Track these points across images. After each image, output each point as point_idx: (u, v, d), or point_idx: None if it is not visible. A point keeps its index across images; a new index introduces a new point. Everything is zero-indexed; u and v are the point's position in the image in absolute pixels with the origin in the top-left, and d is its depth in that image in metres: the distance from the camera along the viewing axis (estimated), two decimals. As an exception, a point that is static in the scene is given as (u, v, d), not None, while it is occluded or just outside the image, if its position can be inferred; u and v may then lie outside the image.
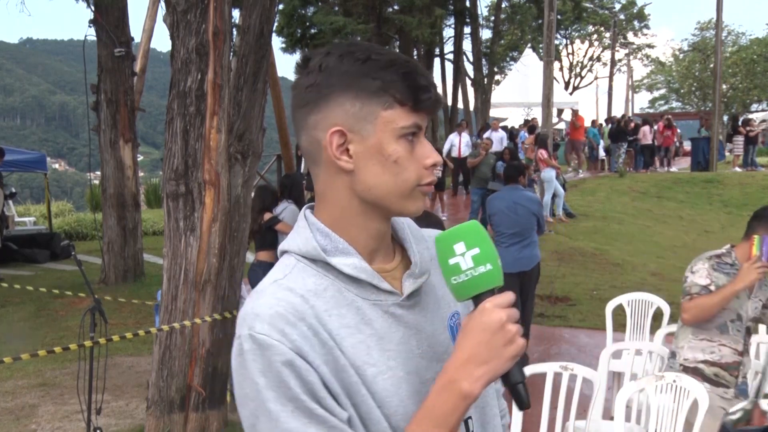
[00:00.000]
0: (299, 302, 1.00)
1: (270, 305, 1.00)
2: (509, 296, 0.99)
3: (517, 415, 3.28)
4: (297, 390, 0.96)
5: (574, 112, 20.13)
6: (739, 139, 20.17)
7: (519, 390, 0.99)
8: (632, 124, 21.75)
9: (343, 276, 1.04)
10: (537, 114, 23.34)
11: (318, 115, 1.04)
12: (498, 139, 15.89)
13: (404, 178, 1.03)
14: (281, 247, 1.11)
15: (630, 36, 44.56)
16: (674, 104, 46.33)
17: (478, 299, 1.00)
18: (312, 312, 1.00)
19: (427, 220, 3.08)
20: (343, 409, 0.99)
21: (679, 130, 22.35)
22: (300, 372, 0.96)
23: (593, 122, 25.74)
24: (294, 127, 1.10)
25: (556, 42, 29.21)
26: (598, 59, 45.82)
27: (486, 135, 16.20)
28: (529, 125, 18.72)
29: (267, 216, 5.89)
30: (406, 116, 1.03)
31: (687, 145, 25.10)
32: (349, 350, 1.01)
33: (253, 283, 6.00)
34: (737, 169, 20.33)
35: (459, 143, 16.16)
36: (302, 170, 14.71)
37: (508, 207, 6.21)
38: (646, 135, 20.79)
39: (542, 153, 13.67)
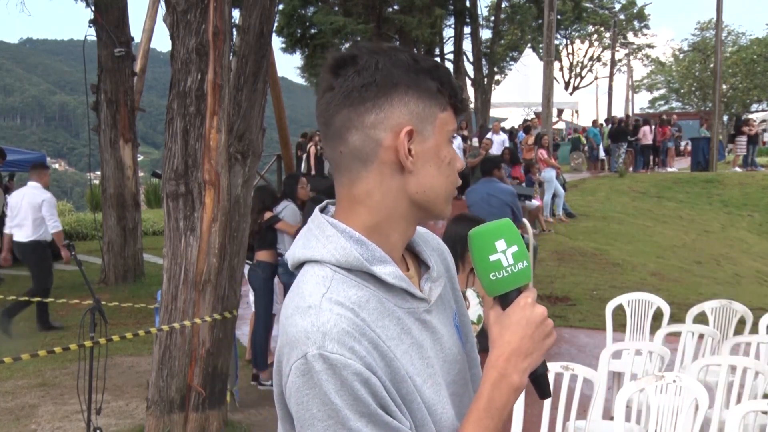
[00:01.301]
0: (353, 317, 0.98)
1: (334, 322, 0.96)
2: (535, 291, 1.05)
3: (518, 416, 3.28)
4: (374, 406, 0.95)
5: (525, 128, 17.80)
6: (742, 139, 20.16)
7: (544, 380, 1.05)
8: (632, 125, 21.75)
9: (382, 285, 1.02)
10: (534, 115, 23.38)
11: (380, 114, 1.01)
12: (499, 142, 15.68)
13: (453, 180, 1.07)
14: (301, 255, 1.05)
15: (630, 36, 44.58)
16: (674, 104, 46.33)
17: (506, 295, 1.04)
18: (365, 325, 0.98)
19: (464, 219, 3.06)
20: (405, 418, 0.99)
21: (673, 129, 22.24)
22: (374, 388, 0.95)
23: (594, 122, 25.73)
24: (334, 128, 1.04)
25: (556, 42, 29.19)
26: (598, 59, 45.83)
27: (488, 137, 16.11)
28: (525, 125, 18.69)
29: (267, 215, 5.88)
30: (453, 119, 1.06)
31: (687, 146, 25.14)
32: (401, 361, 1.01)
33: (253, 284, 5.99)
34: (737, 169, 20.32)
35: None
36: (302, 170, 14.70)
37: (482, 198, 6.59)
38: (646, 135, 20.80)
39: (542, 153, 13.67)
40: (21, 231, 7.25)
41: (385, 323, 1.01)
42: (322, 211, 1.09)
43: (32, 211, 7.15)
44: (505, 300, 1.04)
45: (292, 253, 1.07)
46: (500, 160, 7.90)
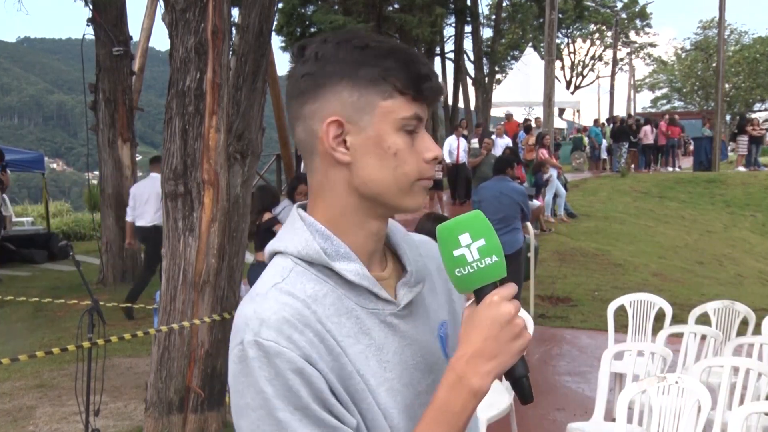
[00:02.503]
0: (302, 308, 0.96)
1: (275, 310, 0.94)
2: (512, 288, 0.97)
3: (519, 415, 3.25)
4: (307, 399, 0.92)
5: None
6: (744, 139, 20.13)
7: (523, 384, 0.97)
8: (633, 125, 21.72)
9: (344, 282, 1.00)
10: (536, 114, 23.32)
11: (314, 105, 0.99)
12: (503, 146, 15.27)
13: (404, 171, 0.99)
14: (272, 247, 1.05)
15: (632, 35, 44.59)
16: (676, 103, 46.35)
17: (479, 291, 0.97)
18: (315, 318, 0.96)
19: (432, 220, 3.05)
20: (351, 416, 0.96)
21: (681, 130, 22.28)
22: (310, 380, 0.93)
23: (595, 121, 25.70)
24: (288, 118, 1.06)
25: (558, 41, 29.17)
26: (600, 58, 45.85)
27: (492, 138, 15.84)
28: (526, 125, 18.62)
29: (266, 216, 5.88)
30: (407, 106, 0.98)
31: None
32: (352, 358, 0.98)
33: (253, 284, 5.97)
34: (741, 168, 20.28)
35: (458, 148, 14.78)
36: (302, 170, 14.69)
37: (493, 196, 6.75)
38: (647, 135, 20.77)
39: (543, 152, 13.64)
40: (143, 218, 7.89)
41: (341, 320, 0.98)
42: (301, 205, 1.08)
43: (156, 200, 7.72)
44: (480, 297, 0.97)
45: (269, 245, 1.06)
46: (514, 160, 8.08)
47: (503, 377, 0.98)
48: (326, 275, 0.99)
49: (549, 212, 13.68)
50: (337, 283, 1.00)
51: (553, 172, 13.48)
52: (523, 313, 1.02)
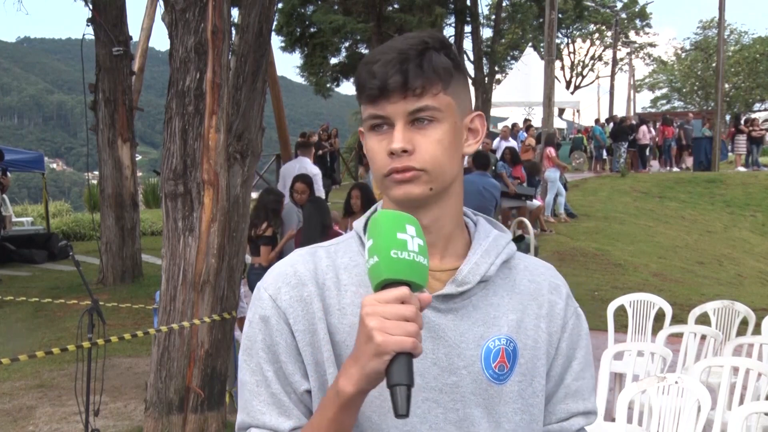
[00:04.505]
0: (312, 268, 1.06)
1: (287, 263, 1.08)
2: (395, 292, 0.91)
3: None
4: (259, 346, 1.03)
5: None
6: (741, 138, 20.12)
7: (395, 393, 0.89)
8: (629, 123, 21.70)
9: None
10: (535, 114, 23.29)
11: None
12: (503, 147, 15.12)
13: (376, 167, 1.07)
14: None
15: (632, 35, 44.58)
16: (676, 103, 46.36)
17: (391, 285, 0.93)
18: (323, 280, 1.05)
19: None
20: (306, 380, 1.03)
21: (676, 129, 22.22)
22: (271, 331, 1.03)
23: (596, 121, 25.69)
24: None
25: (558, 41, 29.15)
26: (600, 58, 45.87)
27: (495, 143, 15.74)
28: (527, 125, 18.62)
29: (264, 228, 5.90)
30: (365, 108, 1.07)
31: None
32: (344, 328, 1.03)
33: (252, 285, 5.98)
34: (741, 168, 20.27)
35: None
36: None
37: (477, 190, 7.26)
38: (645, 134, 20.76)
39: (551, 151, 13.60)
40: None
41: (360, 291, 1.05)
42: None
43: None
44: None
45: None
46: (491, 157, 8.95)
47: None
48: (364, 248, 1.06)
49: (549, 212, 13.66)
50: None
51: (556, 173, 13.45)
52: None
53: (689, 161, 21.77)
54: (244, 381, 1.04)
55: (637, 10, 42.90)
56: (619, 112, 34.58)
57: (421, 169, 1.03)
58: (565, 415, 1.14)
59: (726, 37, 33.41)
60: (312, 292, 1.04)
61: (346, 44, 23.49)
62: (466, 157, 1.39)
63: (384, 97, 1.03)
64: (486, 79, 26.91)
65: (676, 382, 3.12)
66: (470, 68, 27.80)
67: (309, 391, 1.03)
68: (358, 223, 1.12)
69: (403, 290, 0.91)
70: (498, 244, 1.12)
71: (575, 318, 1.16)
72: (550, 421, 1.14)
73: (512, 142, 16.18)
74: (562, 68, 43.80)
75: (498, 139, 16.35)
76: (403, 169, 1.03)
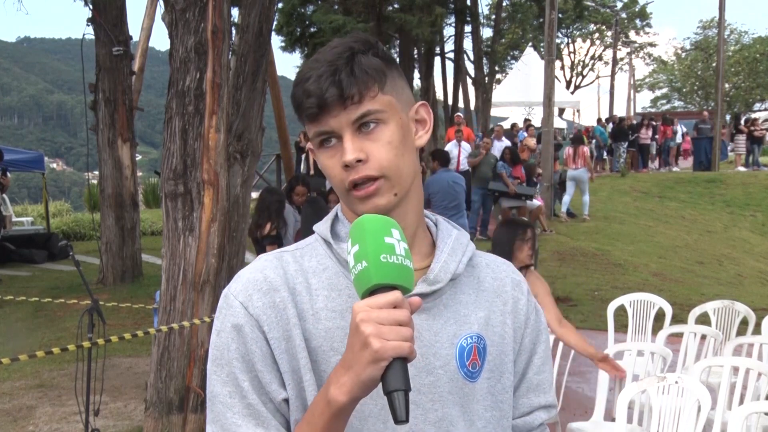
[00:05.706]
0: (280, 273, 1.03)
1: (255, 269, 1.05)
2: (389, 297, 0.90)
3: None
4: (233, 355, 1.00)
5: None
6: (741, 138, 20.11)
7: (393, 399, 0.88)
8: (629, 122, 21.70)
9: (345, 262, 1.03)
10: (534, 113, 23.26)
11: None
12: (501, 149, 14.85)
13: (335, 183, 1.05)
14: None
15: (632, 35, 44.53)
16: (676, 103, 46.35)
17: (380, 290, 0.92)
18: (293, 285, 1.03)
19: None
20: (283, 389, 1.00)
21: (679, 129, 22.21)
22: (245, 339, 1.00)
23: (598, 120, 25.67)
24: None
25: (558, 41, 29.16)
26: (600, 58, 45.84)
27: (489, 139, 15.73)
28: (527, 125, 18.61)
29: (268, 229, 5.89)
30: (309, 127, 1.05)
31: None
32: (319, 333, 1.01)
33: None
34: (741, 168, 20.26)
35: (458, 155, 12.77)
36: (302, 169, 14.68)
37: (448, 185, 7.71)
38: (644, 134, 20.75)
39: (585, 150, 13.60)
40: None
41: (331, 294, 1.04)
42: None
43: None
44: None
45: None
46: (450, 152, 9.92)
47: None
48: (331, 252, 1.07)
49: (565, 209, 14.02)
50: (339, 261, 1.06)
51: (586, 173, 13.44)
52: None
53: (684, 163, 21.80)
54: (215, 393, 1.01)
55: (637, 9, 42.85)
56: (619, 112, 34.57)
57: (380, 176, 1.01)
58: (528, 409, 1.15)
59: (726, 36, 33.42)
60: (285, 298, 1.01)
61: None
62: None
63: (325, 113, 1.01)
64: (486, 78, 26.92)
65: (676, 382, 3.12)
66: (470, 68, 27.83)
67: (287, 400, 1.01)
68: (323, 227, 1.10)
69: (397, 295, 0.90)
70: (461, 243, 1.13)
71: (535, 314, 1.18)
72: (513, 416, 1.14)
73: (506, 141, 16.12)
74: (562, 68, 43.79)
75: (492, 138, 16.31)
76: (362, 180, 1.01)
